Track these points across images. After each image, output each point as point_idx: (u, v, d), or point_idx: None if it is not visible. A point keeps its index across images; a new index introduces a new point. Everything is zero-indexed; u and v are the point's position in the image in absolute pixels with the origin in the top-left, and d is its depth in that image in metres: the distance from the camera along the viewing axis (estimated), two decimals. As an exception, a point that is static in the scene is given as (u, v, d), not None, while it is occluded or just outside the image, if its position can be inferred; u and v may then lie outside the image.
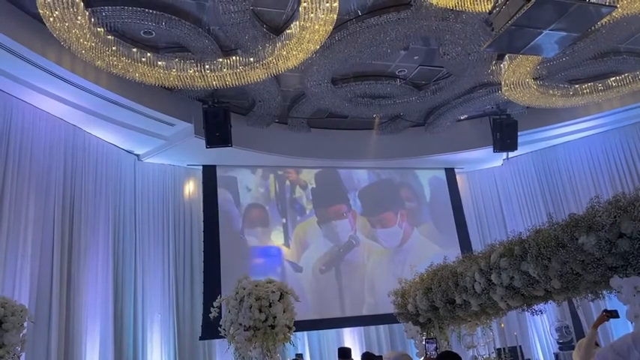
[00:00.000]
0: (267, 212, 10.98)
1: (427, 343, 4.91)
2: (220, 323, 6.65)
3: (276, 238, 10.89)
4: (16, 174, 7.35)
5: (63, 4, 5.80)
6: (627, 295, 3.84)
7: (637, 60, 9.15)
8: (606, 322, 4.84)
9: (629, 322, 3.95)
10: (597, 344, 5.23)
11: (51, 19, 5.99)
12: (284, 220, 11.06)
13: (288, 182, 11.33)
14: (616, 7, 5.67)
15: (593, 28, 7.26)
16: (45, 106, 7.89)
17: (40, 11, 5.92)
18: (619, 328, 9.29)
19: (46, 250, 7.56)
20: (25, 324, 5.67)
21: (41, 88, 7.45)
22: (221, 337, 6.92)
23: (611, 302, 4.67)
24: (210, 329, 8.28)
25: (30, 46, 6.62)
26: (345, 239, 11.29)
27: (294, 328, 6.70)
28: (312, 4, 6.16)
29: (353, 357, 7.13)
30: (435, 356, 4.67)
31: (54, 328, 7.34)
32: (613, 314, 4.26)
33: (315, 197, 11.42)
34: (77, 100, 7.92)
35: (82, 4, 6.06)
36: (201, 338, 9.61)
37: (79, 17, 6.11)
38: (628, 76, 9.31)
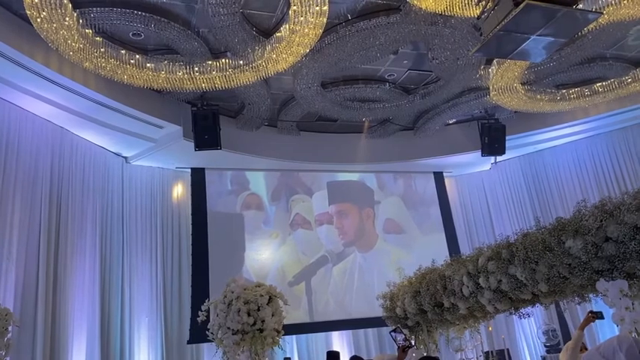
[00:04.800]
0: (256, 216, 10.94)
1: (395, 333, 4.96)
2: (208, 327, 6.62)
3: (266, 242, 10.85)
4: (2, 176, 7.25)
5: (51, 4, 5.75)
6: (613, 298, 3.88)
7: (623, 66, 9.28)
8: (592, 325, 4.88)
9: (615, 325, 4.00)
10: (585, 347, 5.28)
11: (38, 20, 5.94)
12: (273, 224, 11.03)
13: (277, 186, 11.31)
14: (602, 13, 5.76)
15: (579, 34, 7.34)
16: (32, 108, 7.81)
17: (28, 12, 5.86)
18: (605, 331, 9.39)
19: (31, 253, 7.47)
20: (10, 328, 5.60)
21: (28, 89, 7.37)
22: (209, 341, 6.89)
23: (597, 305, 4.73)
24: (198, 333, 8.22)
25: (17, 47, 6.55)
26: (336, 244, 11.28)
27: (282, 332, 6.69)
28: (302, 7, 6.17)
29: (341, 361, 7.11)
30: (405, 344, 4.77)
31: (39, 332, 7.25)
32: (598, 315, 4.31)
33: (305, 201, 11.41)
34: (65, 102, 7.85)
35: (70, 5, 6.02)
36: (189, 342, 9.54)
37: (67, 18, 6.06)
38: (614, 81, 9.43)
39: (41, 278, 7.48)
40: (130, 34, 7.16)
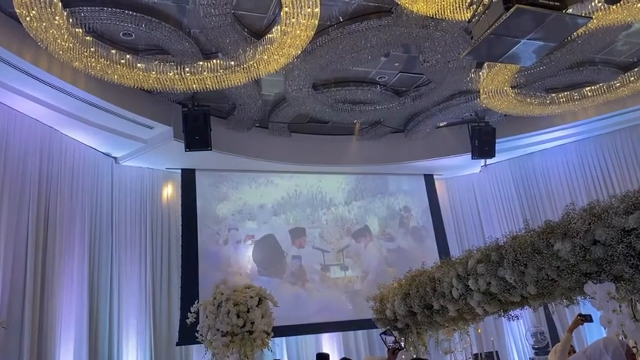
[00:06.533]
0: (245, 218, 10.92)
1: (385, 335, 4.97)
2: (198, 329, 6.60)
3: (256, 244, 10.81)
4: (-10, 176, 7.19)
5: (40, 3, 5.70)
6: (600, 301, 3.91)
7: (611, 70, 9.36)
8: (581, 327, 4.89)
9: (603, 327, 4.03)
10: (573, 350, 5.31)
11: (27, 19, 5.89)
12: (263, 226, 11.00)
13: (268, 188, 11.28)
14: (591, 18, 5.79)
15: (569, 38, 7.41)
16: (20, 107, 7.74)
17: (17, 10, 5.81)
18: (593, 333, 9.45)
19: (19, 254, 7.39)
20: (-3, 329, 5.55)
21: (17, 88, 7.30)
22: (198, 342, 6.86)
23: (585, 308, 4.75)
24: (188, 335, 8.18)
25: (6, 45, 6.49)
26: (327, 247, 11.27)
27: (272, 334, 6.68)
28: (293, 9, 6.17)
29: (331, 362, 7.12)
30: (395, 347, 4.79)
31: (27, 333, 7.17)
32: (587, 318, 4.33)
33: (295, 204, 11.40)
34: (54, 102, 7.79)
35: (59, 3, 5.97)
36: (178, 344, 9.49)
37: (57, 17, 6.01)
38: (603, 86, 9.51)
39: (29, 279, 7.41)
40: (121, 33, 7.12)
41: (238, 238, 10.69)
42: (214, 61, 7.35)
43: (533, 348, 10.18)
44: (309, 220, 11.37)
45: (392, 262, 11.48)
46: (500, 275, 4.76)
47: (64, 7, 6.13)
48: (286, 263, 10.87)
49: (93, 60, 6.81)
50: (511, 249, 4.61)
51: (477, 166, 12.35)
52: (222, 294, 6.50)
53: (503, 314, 5.31)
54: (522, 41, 4.48)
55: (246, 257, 10.63)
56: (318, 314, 10.65)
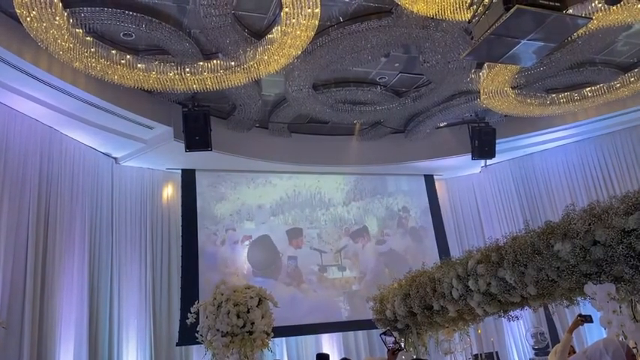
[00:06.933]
0: (245, 218, 10.91)
1: (385, 335, 4.98)
2: (198, 329, 6.60)
3: (255, 245, 10.80)
4: (-10, 176, 7.19)
5: (41, 3, 5.70)
6: (601, 302, 3.91)
7: (612, 71, 9.36)
8: (581, 328, 4.88)
9: (603, 328, 4.02)
10: (573, 350, 5.31)
11: (28, 19, 5.89)
12: (263, 227, 11.00)
13: (267, 188, 11.28)
14: (591, 18, 5.80)
15: (569, 39, 7.41)
16: (20, 108, 7.74)
17: (17, 11, 5.81)
18: (593, 334, 9.45)
19: (19, 255, 7.39)
20: (-3, 329, 5.55)
21: (17, 88, 7.30)
22: (198, 343, 6.86)
23: (585, 308, 4.75)
24: (188, 335, 8.18)
25: (6, 45, 6.49)
26: (325, 248, 11.26)
27: (272, 334, 6.68)
28: (293, 9, 6.17)
29: (331, 363, 7.12)
30: (395, 347, 4.80)
31: (26, 333, 7.17)
32: (587, 319, 4.33)
33: (294, 205, 11.40)
34: (54, 102, 7.79)
35: (60, 4, 5.97)
36: (178, 344, 9.49)
37: (57, 18, 6.01)
38: (603, 86, 9.51)
39: (29, 279, 7.41)
40: (121, 34, 7.12)
41: (236, 239, 10.69)
42: (214, 61, 7.35)
43: (534, 348, 10.18)
44: (308, 221, 11.36)
45: (390, 262, 11.48)
46: (500, 276, 4.76)
47: (65, 7, 6.13)
48: (282, 264, 10.85)
49: (93, 60, 6.81)
50: (511, 249, 4.60)
51: (477, 167, 12.35)
52: (222, 294, 6.50)
53: (503, 315, 5.31)
54: (522, 42, 4.48)
55: (243, 258, 10.63)
56: (315, 315, 10.63)
